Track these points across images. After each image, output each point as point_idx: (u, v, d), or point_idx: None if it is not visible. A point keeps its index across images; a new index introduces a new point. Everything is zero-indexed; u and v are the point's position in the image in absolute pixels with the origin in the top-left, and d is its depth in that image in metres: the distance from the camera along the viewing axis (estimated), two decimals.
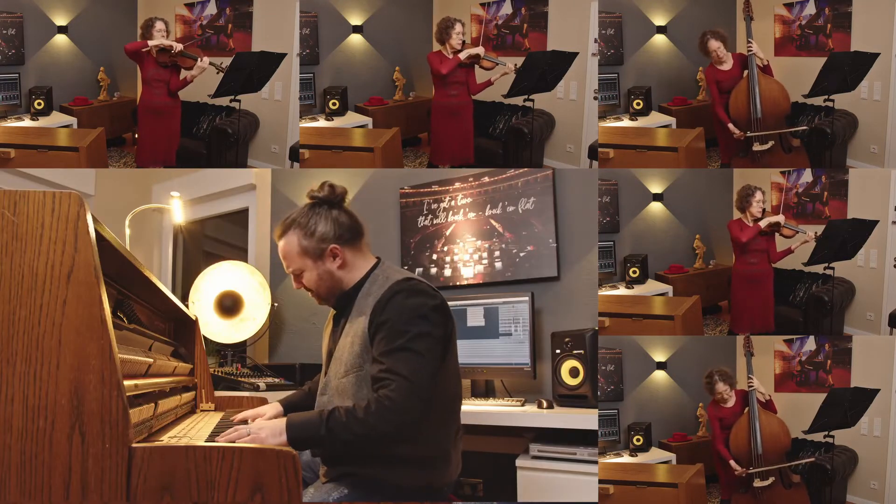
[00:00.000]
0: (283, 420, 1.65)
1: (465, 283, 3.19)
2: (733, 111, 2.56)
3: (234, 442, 1.52)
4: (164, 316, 2.44)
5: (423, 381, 1.65)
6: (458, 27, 2.59)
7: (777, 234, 2.56)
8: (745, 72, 2.55)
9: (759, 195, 2.56)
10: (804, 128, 2.55)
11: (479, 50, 2.59)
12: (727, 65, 2.56)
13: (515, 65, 2.59)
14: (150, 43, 2.52)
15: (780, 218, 2.53)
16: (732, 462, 2.50)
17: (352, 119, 2.65)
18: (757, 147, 2.55)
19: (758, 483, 2.48)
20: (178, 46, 2.53)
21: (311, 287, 1.88)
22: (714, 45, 2.55)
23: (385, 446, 1.67)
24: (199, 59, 2.55)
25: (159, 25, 2.55)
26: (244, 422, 1.96)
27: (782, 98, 2.54)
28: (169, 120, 2.58)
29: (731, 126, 2.55)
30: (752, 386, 2.51)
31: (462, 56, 2.56)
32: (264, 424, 1.66)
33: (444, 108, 2.62)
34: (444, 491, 1.84)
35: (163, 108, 2.58)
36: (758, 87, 2.53)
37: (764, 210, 2.57)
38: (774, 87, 2.54)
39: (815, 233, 2.52)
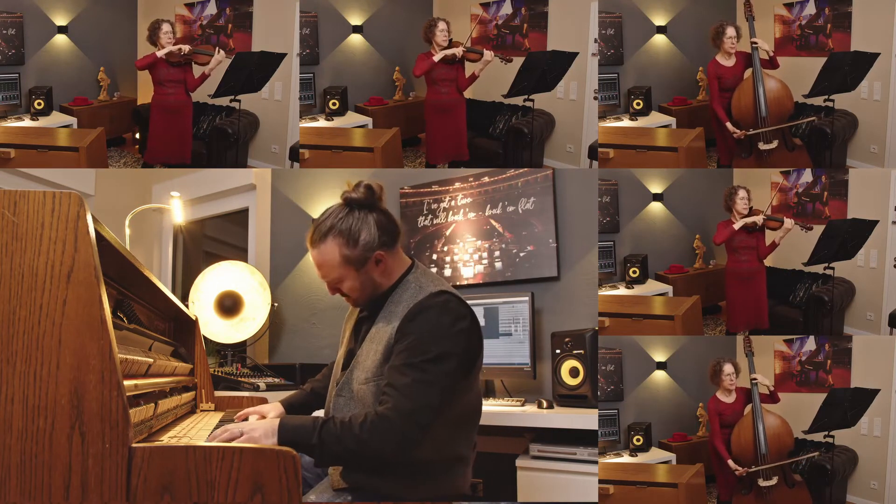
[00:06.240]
0: (277, 421, 1.61)
1: (465, 283, 3.19)
2: (736, 110, 2.56)
3: (228, 442, 1.50)
4: (164, 316, 2.44)
5: (425, 408, 1.61)
6: (441, 25, 2.59)
7: (767, 230, 2.57)
8: (748, 70, 2.55)
9: (742, 193, 2.57)
10: (812, 118, 2.55)
11: (456, 51, 2.59)
12: (731, 60, 2.56)
13: (500, 57, 2.58)
14: (159, 53, 2.54)
15: (758, 218, 2.54)
16: (731, 462, 2.50)
17: (352, 119, 2.65)
18: (763, 146, 2.55)
19: (762, 482, 2.48)
20: (186, 48, 2.54)
21: (350, 294, 1.80)
22: (731, 31, 2.53)
23: (377, 463, 1.64)
24: (215, 53, 2.56)
25: (165, 28, 2.55)
26: (245, 419, 1.95)
27: (786, 97, 2.54)
28: (183, 118, 2.59)
29: (729, 125, 2.55)
30: (755, 381, 2.51)
31: (436, 59, 2.57)
32: (258, 424, 1.60)
33: (435, 107, 2.62)
34: None
35: (179, 107, 2.59)
36: (762, 85, 2.53)
37: (751, 208, 2.57)
38: (778, 86, 2.54)
39: (800, 224, 2.53)
